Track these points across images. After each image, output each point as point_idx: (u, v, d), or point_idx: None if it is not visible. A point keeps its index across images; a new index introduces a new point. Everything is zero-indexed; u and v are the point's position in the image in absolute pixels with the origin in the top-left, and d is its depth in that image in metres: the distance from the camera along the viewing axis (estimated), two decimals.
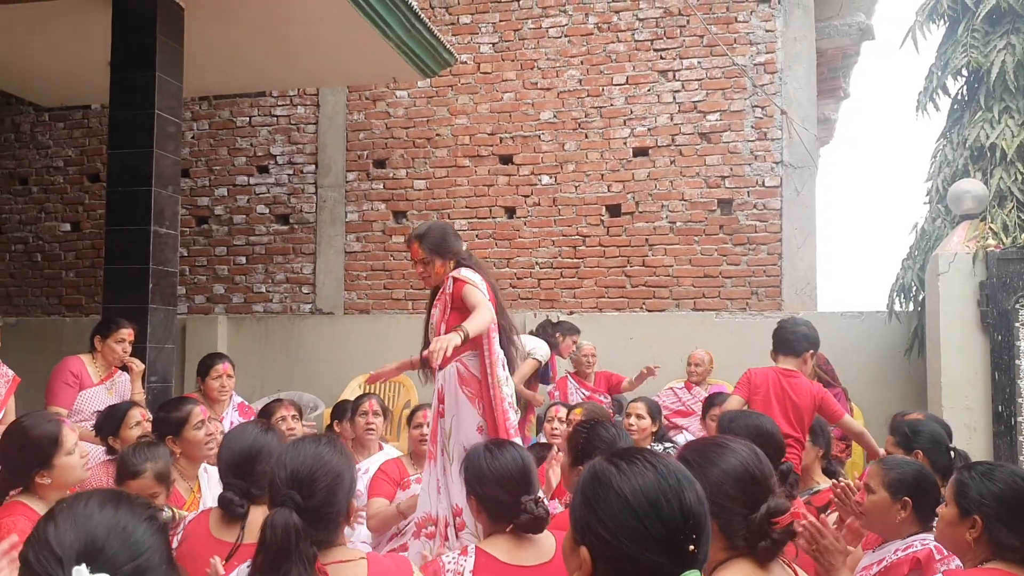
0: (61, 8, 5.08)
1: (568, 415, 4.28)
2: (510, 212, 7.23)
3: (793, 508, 1.65)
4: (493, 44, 7.33)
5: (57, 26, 5.46)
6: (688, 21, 6.99)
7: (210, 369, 4.41)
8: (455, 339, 2.96)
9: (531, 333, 5.95)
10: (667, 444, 4.74)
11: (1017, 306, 5.12)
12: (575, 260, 7.08)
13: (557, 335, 5.95)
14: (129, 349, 4.41)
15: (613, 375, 6.09)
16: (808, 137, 6.76)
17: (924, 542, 2.43)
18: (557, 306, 7.03)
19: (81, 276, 8.08)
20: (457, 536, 3.11)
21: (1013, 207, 5.47)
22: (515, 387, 5.63)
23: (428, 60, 6.04)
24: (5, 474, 2.47)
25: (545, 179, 7.16)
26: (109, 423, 3.43)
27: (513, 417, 3.28)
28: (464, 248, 3.43)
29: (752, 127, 6.86)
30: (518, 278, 7.17)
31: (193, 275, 7.83)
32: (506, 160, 7.26)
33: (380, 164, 7.53)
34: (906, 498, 2.46)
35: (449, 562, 2.13)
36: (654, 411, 4.59)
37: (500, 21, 7.31)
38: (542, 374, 5.88)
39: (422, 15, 5.72)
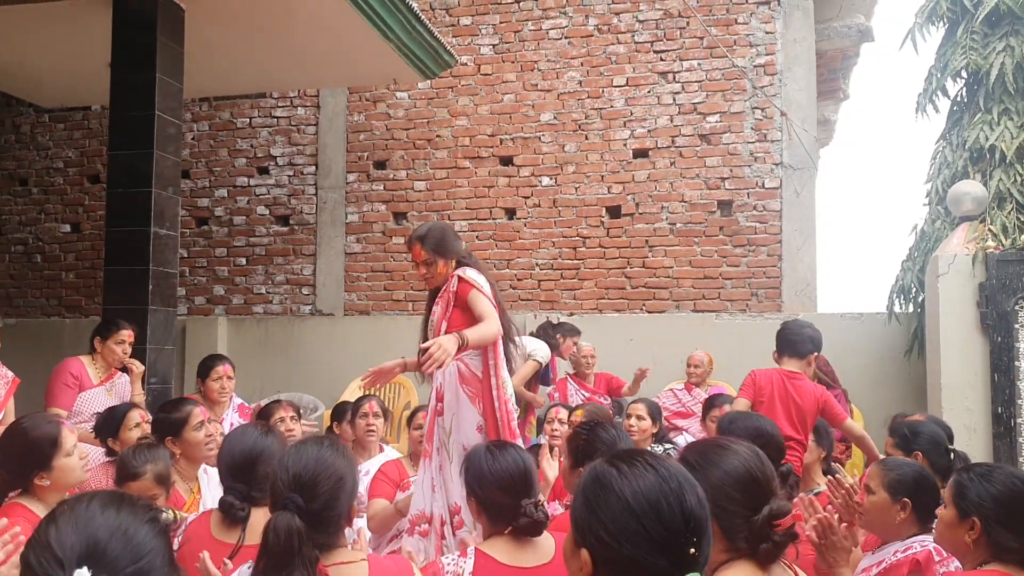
0: (61, 9, 5.09)
1: (570, 417, 4.28)
2: (510, 213, 7.24)
3: (794, 510, 1.65)
4: (493, 46, 7.33)
5: (57, 27, 5.46)
6: (688, 23, 7.00)
7: (210, 371, 4.41)
8: (452, 346, 2.96)
9: (532, 335, 5.95)
10: (667, 446, 4.74)
11: (1016, 307, 5.13)
12: (575, 261, 7.08)
13: (558, 336, 5.95)
14: (129, 350, 4.41)
15: (613, 378, 6.08)
16: (808, 139, 6.77)
17: (924, 543, 2.43)
18: (557, 307, 7.03)
19: (81, 277, 8.08)
20: (454, 534, 3.11)
21: (1012, 209, 5.48)
22: (515, 389, 5.65)
23: (428, 61, 6.05)
24: (4, 476, 2.46)
25: (545, 180, 7.16)
26: (109, 425, 3.43)
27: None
28: (464, 247, 3.43)
29: (752, 129, 6.86)
30: (518, 279, 7.17)
31: (193, 276, 7.83)
32: (506, 161, 7.26)
33: (380, 165, 7.53)
34: (906, 499, 2.46)
35: (448, 563, 2.13)
36: (654, 412, 4.59)
37: (500, 23, 7.32)
38: (543, 375, 5.88)
39: (422, 16, 5.72)
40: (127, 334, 4.40)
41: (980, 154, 5.77)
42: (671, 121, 6.99)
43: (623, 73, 7.09)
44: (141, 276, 4.74)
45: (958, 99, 6.27)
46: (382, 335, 6.92)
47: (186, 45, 5.10)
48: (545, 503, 2.35)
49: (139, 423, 3.42)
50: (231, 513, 2.25)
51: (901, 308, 6.26)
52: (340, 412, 4.51)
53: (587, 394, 5.89)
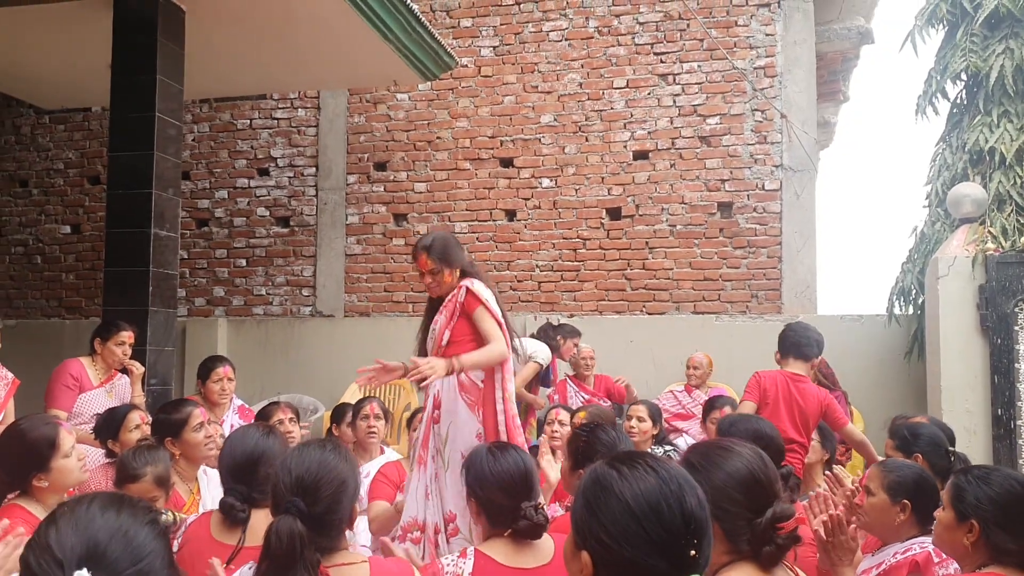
0: (62, 11, 5.09)
1: (572, 419, 4.27)
2: (510, 215, 7.24)
3: (798, 513, 1.65)
4: (494, 47, 7.33)
5: (58, 29, 5.46)
6: (688, 25, 7.00)
7: (211, 372, 4.41)
8: (442, 369, 3.03)
9: (532, 336, 5.95)
10: (667, 447, 4.74)
11: (1016, 309, 5.13)
12: (575, 263, 7.09)
13: (558, 338, 5.95)
14: (129, 352, 4.41)
15: (613, 383, 6.08)
16: (808, 140, 6.77)
17: (923, 545, 2.43)
18: (557, 309, 7.04)
19: (81, 278, 8.08)
20: (448, 542, 3.11)
21: (1012, 211, 5.48)
22: (516, 390, 5.65)
23: (429, 63, 6.05)
24: (2, 477, 2.46)
25: (545, 182, 7.16)
26: (108, 426, 3.43)
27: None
28: (467, 257, 3.44)
29: (752, 131, 6.87)
30: (518, 281, 7.17)
31: (193, 278, 7.83)
32: (506, 163, 7.27)
33: (381, 167, 7.53)
34: (905, 501, 2.46)
35: (448, 564, 2.13)
36: (655, 414, 4.59)
37: (501, 25, 7.32)
38: (543, 377, 5.88)
39: (423, 18, 5.73)
40: (127, 335, 4.39)
41: (980, 156, 5.78)
42: (671, 123, 7.00)
43: (623, 75, 7.09)
44: (141, 277, 4.74)
45: (958, 101, 6.27)
46: (382, 337, 6.92)
47: (186, 46, 5.10)
48: (545, 505, 2.35)
49: (139, 425, 3.42)
50: (231, 514, 2.25)
51: (901, 310, 6.26)
52: (339, 414, 4.51)
53: (586, 396, 5.88)
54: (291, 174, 7.73)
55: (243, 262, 7.78)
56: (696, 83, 6.97)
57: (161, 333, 4.83)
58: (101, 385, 4.34)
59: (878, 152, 28.09)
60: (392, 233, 7.46)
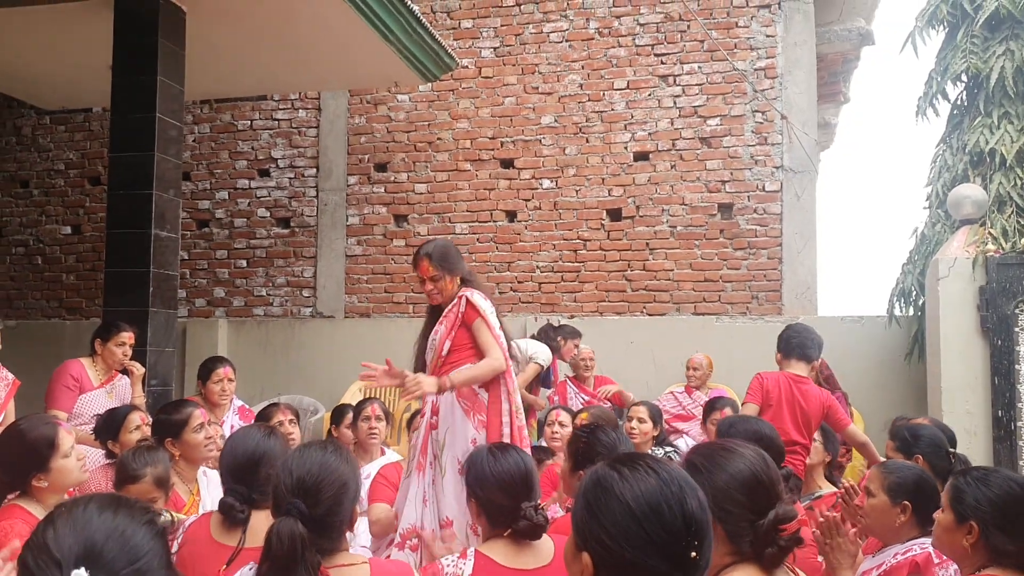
0: (62, 11, 5.09)
1: (574, 420, 4.28)
2: (511, 216, 7.24)
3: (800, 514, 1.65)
4: (494, 48, 7.34)
5: (58, 29, 5.47)
6: (689, 26, 7.00)
7: (211, 373, 4.41)
8: (430, 387, 3.09)
9: (533, 337, 5.95)
10: (668, 449, 4.74)
11: (1017, 311, 5.13)
12: (576, 264, 7.09)
13: (559, 339, 5.95)
14: (129, 352, 4.41)
15: (614, 385, 6.07)
16: (808, 142, 6.77)
17: (923, 546, 2.43)
18: (558, 310, 7.04)
19: (82, 279, 8.08)
20: None
21: (1013, 212, 5.48)
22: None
23: (429, 64, 6.06)
24: (2, 477, 2.46)
25: (546, 183, 7.17)
26: (108, 427, 3.43)
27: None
28: (466, 267, 3.46)
29: (752, 132, 6.87)
30: (519, 282, 7.17)
31: (194, 278, 7.83)
32: (507, 164, 7.27)
33: (381, 168, 7.54)
34: (906, 502, 2.46)
35: (448, 565, 2.13)
36: (655, 415, 4.59)
37: (501, 26, 7.33)
38: (544, 378, 5.88)
39: (423, 19, 5.73)
40: (128, 336, 4.39)
41: (980, 158, 5.78)
42: (672, 124, 7.00)
43: (624, 76, 7.09)
44: (142, 278, 4.74)
45: (958, 103, 6.28)
46: (382, 338, 6.92)
47: (187, 47, 5.10)
48: (545, 507, 2.35)
49: (139, 425, 3.42)
50: (231, 515, 2.24)
51: (901, 311, 6.26)
52: (339, 415, 4.51)
53: (586, 397, 5.88)
54: (292, 175, 7.73)
55: (244, 263, 7.78)
56: (697, 84, 6.98)
57: (161, 334, 4.83)
58: (101, 386, 4.34)
59: (878, 153, 28.10)
60: (392, 234, 7.46)
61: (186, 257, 7.65)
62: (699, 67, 6.97)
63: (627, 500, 1.26)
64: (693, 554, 1.25)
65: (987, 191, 5.56)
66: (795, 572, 1.70)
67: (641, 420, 4.48)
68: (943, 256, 5.40)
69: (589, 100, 7.14)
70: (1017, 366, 5.09)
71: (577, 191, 7.10)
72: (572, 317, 6.85)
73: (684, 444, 5.37)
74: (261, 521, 2.10)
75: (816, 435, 3.94)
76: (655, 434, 4.54)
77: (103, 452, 3.49)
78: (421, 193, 7.41)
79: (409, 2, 5.47)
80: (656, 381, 6.37)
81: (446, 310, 3.34)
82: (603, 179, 7.07)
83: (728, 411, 4.53)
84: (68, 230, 8.15)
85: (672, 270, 6.91)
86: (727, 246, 6.83)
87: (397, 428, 5.99)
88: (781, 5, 6.87)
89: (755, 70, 6.88)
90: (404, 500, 3.27)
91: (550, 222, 7.14)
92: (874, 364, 6.22)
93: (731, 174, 6.87)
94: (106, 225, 5.00)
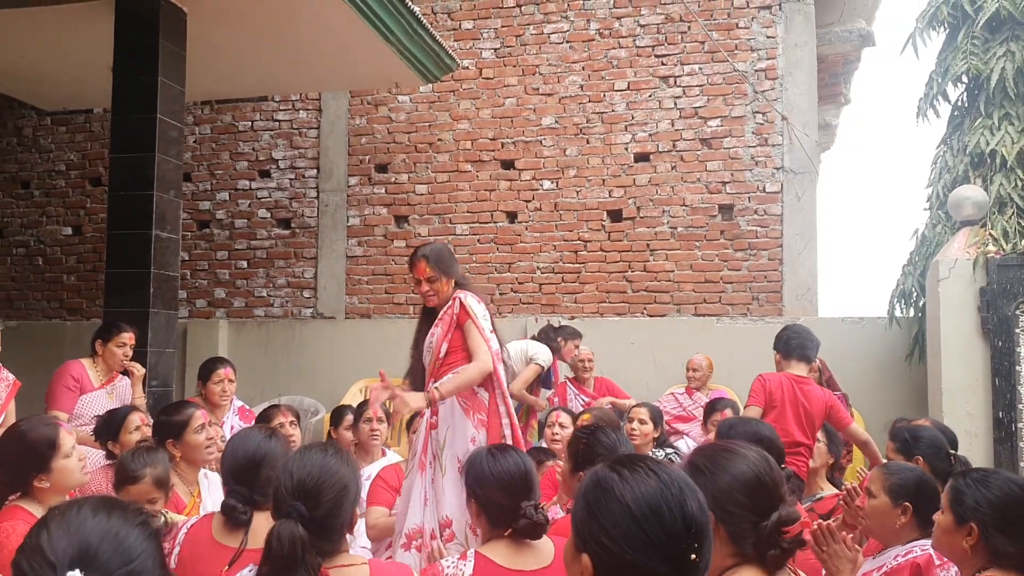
0: (63, 12, 5.10)
1: (577, 421, 4.27)
2: (511, 217, 7.24)
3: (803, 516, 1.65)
4: (495, 49, 7.34)
5: (59, 30, 5.47)
6: (689, 27, 7.00)
7: (211, 374, 4.41)
8: (417, 403, 3.13)
9: (533, 338, 5.95)
10: (668, 450, 4.74)
11: (1017, 312, 5.13)
12: (576, 265, 7.09)
13: (559, 340, 5.95)
14: (130, 353, 4.41)
15: (616, 386, 6.07)
16: (809, 143, 6.77)
17: (924, 548, 2.42)
18: (558, 311, 7.04)
19: (82, 280, 8.09)
20: (444, 548, 3.12)
21: (1013, 213, 5.48)
22: (517, 392, 5.67)
23: (430, 65, 6.06)
24: (3, 479, 2.46)
25: (547, 184, 7.17)
26: (108, 428, 3.43)
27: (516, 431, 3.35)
28: (461, 271, 3.50)
29: (753, 133, 6.87)
30: (519, 283, 7.17)
31: (194, 279, 7.83)
32: (508, 165, 7.27)
33: (382, 169, 7.54)
34: (907, 503, 2.46)
35: (448, 567, 2.13)
36: (656, 416, 4.59)
37: (502, 27, 7.33)
38: (544, 379, 5.88)
39: (424, 20, 5.73)
40: (128, 337, 4.40)
41: (981, 159, 5.78)
42: (672, 125, 7.00)
43: (624, 77, 7.10)
44: (142, 279, 4.75)
45: (959, 104, 6.28)
46: (383, 338, 6.93)
47: (188, 48, 5.11)
48: (545, 507, 2.35)
49: (139, 426, 3.42)
50: (233, 516, 2.24)
51: (902, 312, 6.26)
52: (338, 416, 4.50)
53: (586, 399, 5.88)
54: (292, 176, 7.74)
55: (244, 264, 7.79)
56: (697, 85, 6.98)
57: (162, 335, 4.84)
58: (102, 386, 4.34)
59: (879, 155, 28.11)
60: (393, 235, 7.46)
61: (187, 258, 7.65)
62: (700, 68, 6.98)
63: (627, 502, 1.26)
64: (693, 556, 1.25)
65: (988, 192, 5.56)
66: (796, 573, 1.70)
67: (642, 421, 4.48)
68: (944, 257, 5.40)
69: (590, 101, 7.14)
70: (1018, 367, 5.09)
71: (578, 192, 7.10)
72: (573, 318, 6.85)
73: (684, 445, 5.37)
74: (262, 523, 2.10)
75: (820, 436, 3.94)
76: (656, 435, 4.54)
77: (103, 453, 3.49)
78: (422, 194, 7.41)
79: (410, 3, 5.48)
80: (656, 382, 6.37)
81: (441, 312, 3.37)
82: (604, 180, 7.07)
83: (728, 412, 4.53)
84: (69, 231, 8.16)
85: (673, 271, 6.91)
86: (728, 247, 6.83)
87: (398, 429, 5.99)
88: (782, 6, 6.88)
89: (756, 71, 6.89)
90: (408, 500, 3.27)
91: (551, 223, 7.14)
92: (874, 365, 6.22)
93: (732, 175, 6.87)
94: (107, 226, 5.01)
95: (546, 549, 2.19)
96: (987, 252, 5.23)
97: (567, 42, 7.22)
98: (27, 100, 7.39)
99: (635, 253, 6.98)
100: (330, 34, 5.51)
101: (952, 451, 3.16)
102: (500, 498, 2.18)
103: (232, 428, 4.21)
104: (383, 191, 7.51)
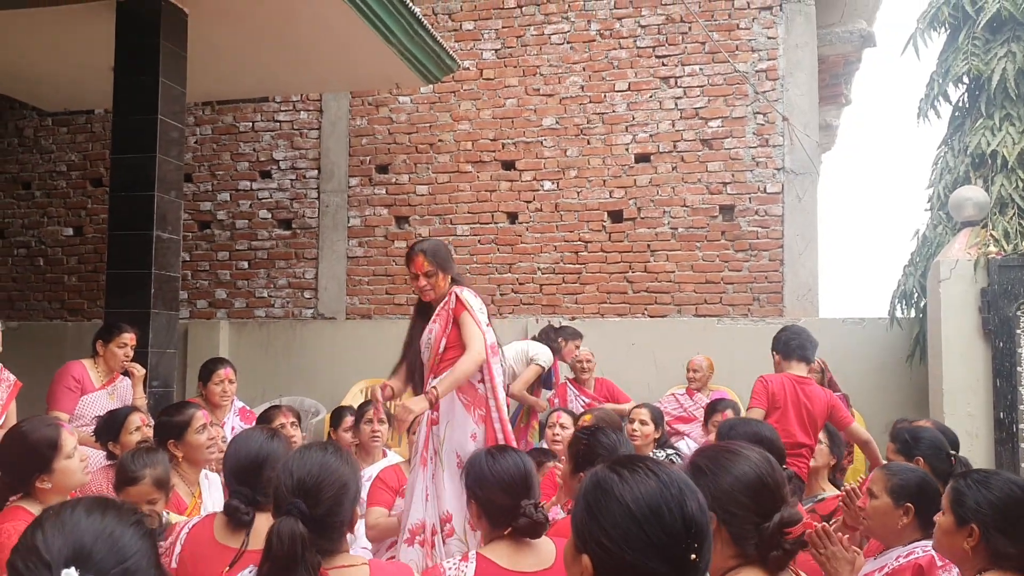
0: (65, 13, 5.10)
1: (578, 422, 4.27)
2: (512, 217, 7.24)
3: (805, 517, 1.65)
4: (496, 50, 7.34)
5: (60, 31, 5.47)
6: (690, 28, 7.00)
7: (212, 374, 4.41)
8: (419, 407, 3.15)
9: (534, 339, 5.95)
10: (669, 451, 4.74)
11: (1018, 313, 5.12)
12: (577, 265, 7.09)
13: (560, 340, 5.95)
14: (131, 354, 4.41)
15: (616, 387, 6.07)
16: (810, 143, 6.77)
17: (926, 549, 2.42)
18: (559, 311, 7.04)
19: (83, 280, 8.09)
20: (444, 543, 3.13)
21: (1014, 214, 5.48)
22: (518, 393, 5.67)
23: (431, 66, 6.06)
24: (5, 479, 2.47)
25: (547, 185, 7.17)
26: (109, 428, 3.43)
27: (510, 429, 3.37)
28: (457, 267, 3.53)
29: (754, 133, 6.87)
30: (520, 283, 7.17)
31: (195, 280, 7.84)
32: (508, 166, 7.27)
33: (383, 169, 7.54)
34: (908, 504, 2.46)
35: (450, 568, 2.13)
36: (657, 417, 4.58)
37: (503, 27, 7.33)
38: (545, 379, 5.88)
39: (425, 21, 5.73)
40: (129, 337, 4.40)
41: (982, 159, 5.78)
42: (673, 126, 7.00)
43: (625, 78, 7.10)
44: (143, 280, 4.75)
45: (960, 104, 6.27)
46: (383, 339, 6.91)
47: (189, 49, 5.11)
48: (546, 507, 2.35)
49: (140, 427, 3.42)
50: (236, 517, 2.24)
51: (903, 313, 6.25)
52: (338, 417, 4.50)
53: (586, 400, 5.87)
54: (293, 176, 7.74)
55: (245, 264, 7.79)
56: (698, 86, 6.98)
57: (163, 335, 4.84)
58: (103, 387, 4.34)
59: (880, 155, 28.10)
60: (394, 236, 7.46)
61: (187, 259, 7.66)
62: (700, 69, 6.98)
63: (627, 502, 1.26)
64: (693, 556, 1.25)
65: (988, 193, 5.55)
66: (798, 574, 1.70)
67: (643, 422, 4.47)
68: (944, 258, 5.40)
69: (590, 102, 7.14)
70: (1019, 368, 5.08)
71: (578, 193, 7.10)
72: (573, 319, 6.85)
73: (685, 446, 5.37)
74: (264, 524, 2.10)
75: (822, 437, 3.94)
76: (656, 436, 4.54)
77: (104, 454, 3.49)
78: (422, 195, 7.41)
79: (410, 4, 5.48)
80: (657, 383, 6.37)
81: (438, 308, 3.38)
82: (604, 181, 7.07)
83: (729, 413, 4.54)
84: (70, 231, 8.16)
85: (673, 272, 6.91)
86: (728, 248, 6.83)
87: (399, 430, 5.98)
88: (782, 7, 6.87)
89: (756, 72, 6.89)
90: (411, 496, 3.29)
91: (551, 224, 7.14)
92: (875, 366, 6.22)
93: (732, 176, 6.87)
94: (108, 226, 5.01)
95: (547, 550, 2.19)
96: (988, 253, 5.23)
97: (568, 43, 7.22)
98: (28, 101, 7.40)
99: (636, 254, 6.98)
100: (331, 35, 5.51)
101: (953, 452, 3.16)
102: (500, 498, 2.19)
103: (233, 429, 4.21)
104: (384, 192, 7.51)
